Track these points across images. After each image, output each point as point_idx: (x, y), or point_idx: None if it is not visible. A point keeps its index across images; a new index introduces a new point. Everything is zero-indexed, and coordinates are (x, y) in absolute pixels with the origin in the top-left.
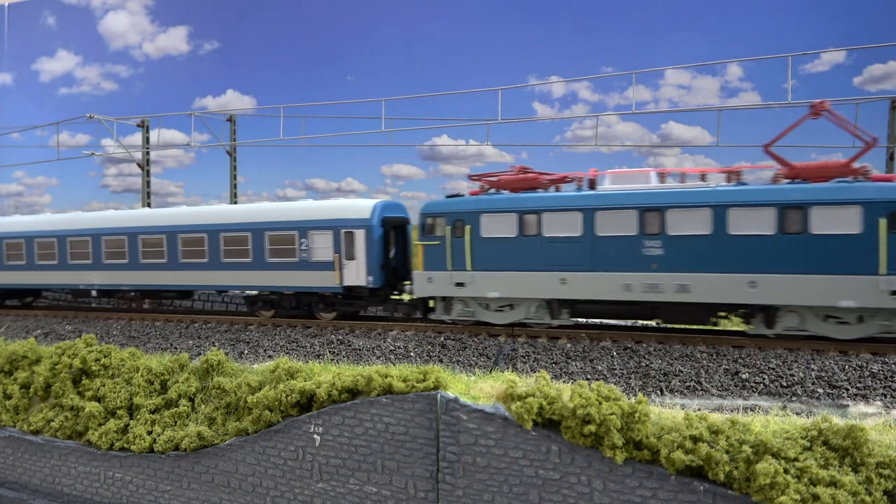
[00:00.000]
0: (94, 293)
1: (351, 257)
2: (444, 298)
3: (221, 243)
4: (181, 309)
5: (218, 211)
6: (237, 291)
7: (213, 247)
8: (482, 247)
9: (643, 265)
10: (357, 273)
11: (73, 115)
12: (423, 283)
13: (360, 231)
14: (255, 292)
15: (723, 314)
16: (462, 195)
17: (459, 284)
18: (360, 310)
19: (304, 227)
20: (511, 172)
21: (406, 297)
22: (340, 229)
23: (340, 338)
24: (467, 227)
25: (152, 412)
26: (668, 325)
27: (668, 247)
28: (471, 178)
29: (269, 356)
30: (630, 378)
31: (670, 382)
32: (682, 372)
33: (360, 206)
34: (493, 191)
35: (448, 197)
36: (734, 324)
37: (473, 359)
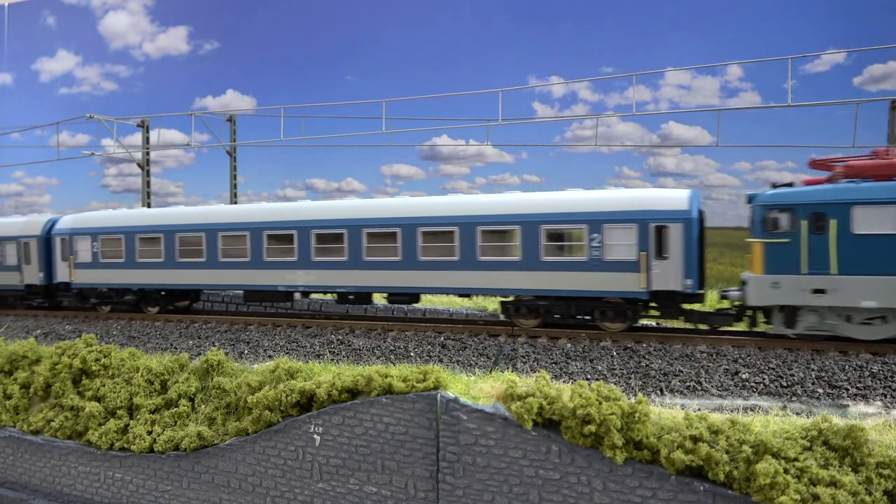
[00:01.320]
0: (297, 295)
1: (662, 256)
2: (786, 308)
3: (478, 238)
4: (181, 309)
5: (473, 201)
6: (499, 296)
7: (468, 242)
8: (854, 246)
9: None
10: (670, 275)
11: (73, 115)
12: (765, 288)
13: (675, 225)
14: (510, 297)
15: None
16: (792, 185)
17: (818, 291)
18: (663, 318)
19: (597, 221)
20: (870, 156)
21: (726, 304)
22: (649, 223)
23: (340, 338)
24: (832, 222)
25: (152, 412)
26: (669, 326)
27: None
28: (813, 164)
29: (269, 356)
30: (630, 378)
31: (670, 382)
32: (682, 372)
33: (675, 197)
34: (848, 179)
35: (778, 187)
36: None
37: (473, 359)
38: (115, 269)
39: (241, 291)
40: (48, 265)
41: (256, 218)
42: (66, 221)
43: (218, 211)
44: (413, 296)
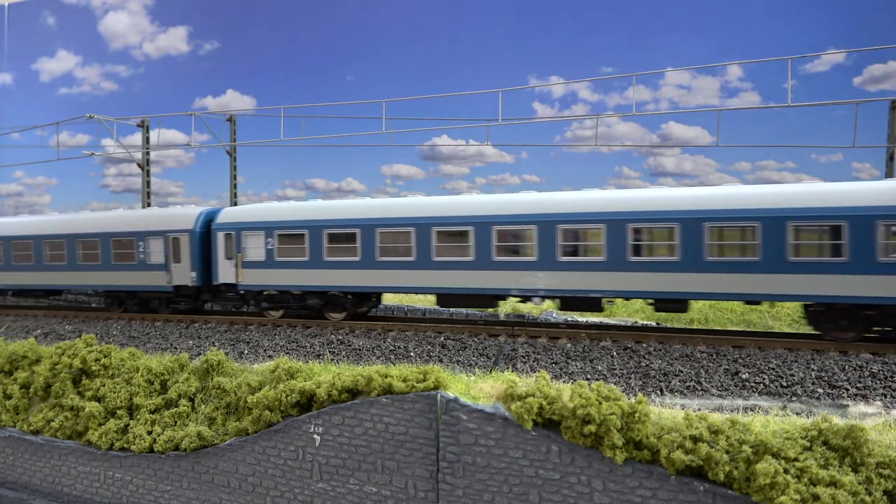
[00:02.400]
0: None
1: None
2: None
3: (706, 236)
4: (181, 309)
5: (707, 195)
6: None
7: (693, 240)
8: None
9: None
10: None
11: (73, 115)
12: None
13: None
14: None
15: None
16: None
17: None
18: None
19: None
20: None
21: None
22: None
23: (340, 338)
24: None
25: (152, 412)
26: (668, 325)
27: None
28: None
29: (269, 356)
30: (630, 378)
31: (670, 382)
32: (682, 372)
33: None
34: None
35: None
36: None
37: (473, 359)
38: (296, 269)
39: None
40: (203, 264)
41: (478, 211)
42: (230, 214)
43: (429, 203)
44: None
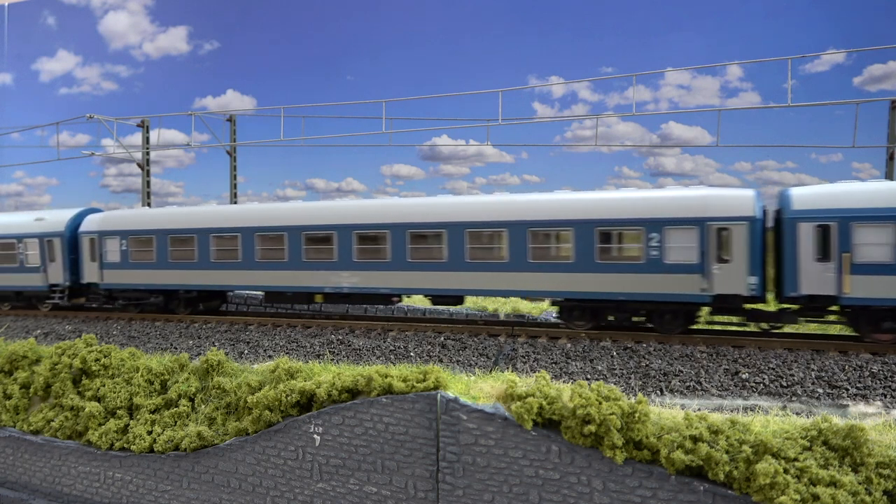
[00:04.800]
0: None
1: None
2: None
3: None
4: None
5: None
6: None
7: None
8: None
9: None
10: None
11: (73, 115)
12: None
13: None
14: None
15: None
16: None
17: None
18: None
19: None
20: None
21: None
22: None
23: (340, 338)
24: None
25: (152, 412)
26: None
27: None
28: None
29: (269, 356)
30: (630, 378)
31: (670, 382)
32: (682, 372)
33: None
34: None
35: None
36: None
37: (473, 359)
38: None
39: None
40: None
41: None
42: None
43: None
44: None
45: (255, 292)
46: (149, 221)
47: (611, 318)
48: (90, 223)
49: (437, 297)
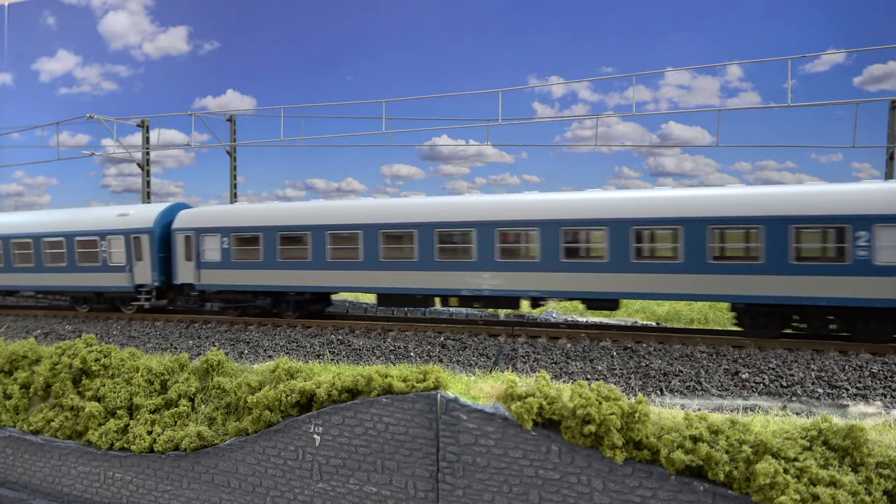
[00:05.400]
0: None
1: None
2: None
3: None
4: (181, 309)
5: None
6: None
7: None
8: None
9: None
10: None
11: (73, 115)
12: None
13: None
14: None
15: None
16: None
17: None
18: None
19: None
20: None
21: None
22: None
23: (340, 338)
24: None
25: (152, 412)
26: (668, 325)
27: None
28: None
29: (269, 356)
30: (630, 378)
31: (670, 382)
32: (682, 372)
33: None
34: None
35: None
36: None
37: (473, 359)
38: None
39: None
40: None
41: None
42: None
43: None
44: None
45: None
46: (255, 217)
47: (801, 325)
48: (185, 219)
49: (591, 302)
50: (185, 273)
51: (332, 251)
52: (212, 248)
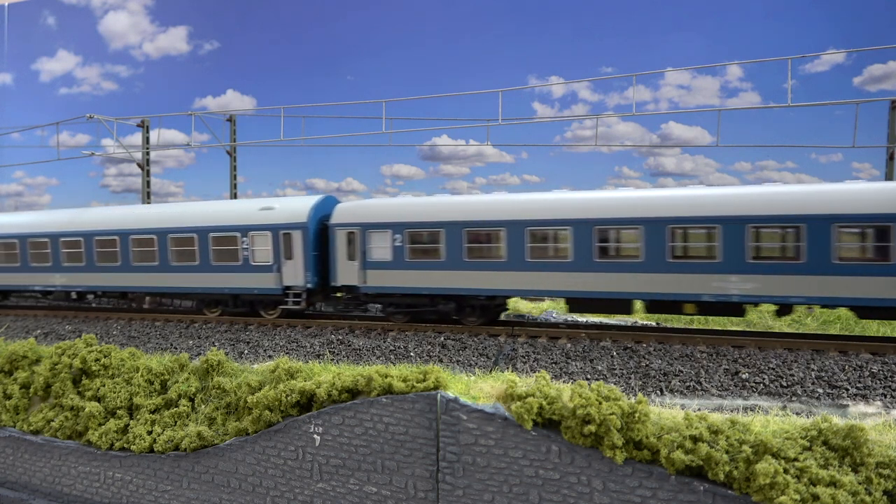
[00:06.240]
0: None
1: None
2: None
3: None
4: (182, 309)
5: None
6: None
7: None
8: None
9: None
10: None
11: (73, 115)
12: None
13: None
14: None
15: None
16: None
17: None
18: None
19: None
20: None
21: None
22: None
23: (340, 338)
24: None
25: (152, 412)
26: (668, 325)
27: None
28: None
29: (269, 356)
30: (630, 378)
31: (670, 382)
32: (682, 372)
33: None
34: None
35: None
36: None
37: (473, 359)
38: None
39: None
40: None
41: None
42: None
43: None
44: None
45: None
46: (436, 212)
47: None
48: (347, 214)
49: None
50: (346, 274)
51: (531, 249)
52: (380, 247)
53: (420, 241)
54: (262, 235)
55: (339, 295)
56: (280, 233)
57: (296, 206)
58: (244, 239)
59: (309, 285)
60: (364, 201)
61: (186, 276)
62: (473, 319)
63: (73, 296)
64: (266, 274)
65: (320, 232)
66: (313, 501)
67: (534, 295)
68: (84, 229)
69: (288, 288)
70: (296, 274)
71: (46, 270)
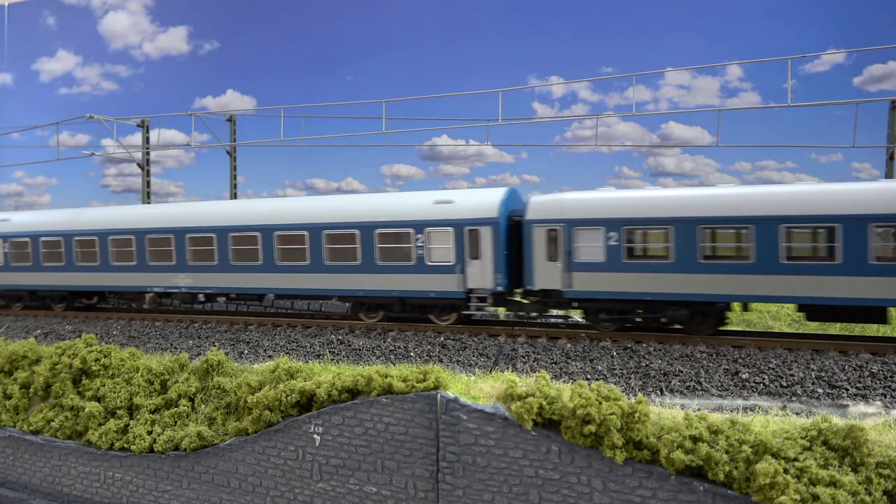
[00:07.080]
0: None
1: None
2: None
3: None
4: (181, 309)
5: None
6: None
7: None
8: None
9: None
10: None
11: (73, 115)
12: None
13: None
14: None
15: None
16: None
17: None
18: None
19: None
20: None
21: None
22: None
23: (340, 338)
24: None
25: (152, 412)
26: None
27: None
28: None
29: (269, 356)
30: (630, 378)
31: (670, 382)
32: (682, 372)
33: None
34: None
35: None
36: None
37: (473, 359)
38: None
39: None
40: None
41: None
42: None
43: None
44: None
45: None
46: (663, 206)
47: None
48: (546, 208)
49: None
50: (546, 276)
51: (786, 249)
52: (590, 246)
53: (642, 239)
54: (441, 232)
55: (523, 300)
56: (465, 229)
57: (482, 199)
58: (419, 236)
59: (499, 288)
60: (566, 195)
61: (344, 276)
62: (703, 328)
63: (201, 298)
64: (446, 275)
65: (508, 229)
66: (313, 501)
67: (774, 302)
68: (215, 224)
69: (471, 291)
70: (483, 275)
71: (168, 270)
